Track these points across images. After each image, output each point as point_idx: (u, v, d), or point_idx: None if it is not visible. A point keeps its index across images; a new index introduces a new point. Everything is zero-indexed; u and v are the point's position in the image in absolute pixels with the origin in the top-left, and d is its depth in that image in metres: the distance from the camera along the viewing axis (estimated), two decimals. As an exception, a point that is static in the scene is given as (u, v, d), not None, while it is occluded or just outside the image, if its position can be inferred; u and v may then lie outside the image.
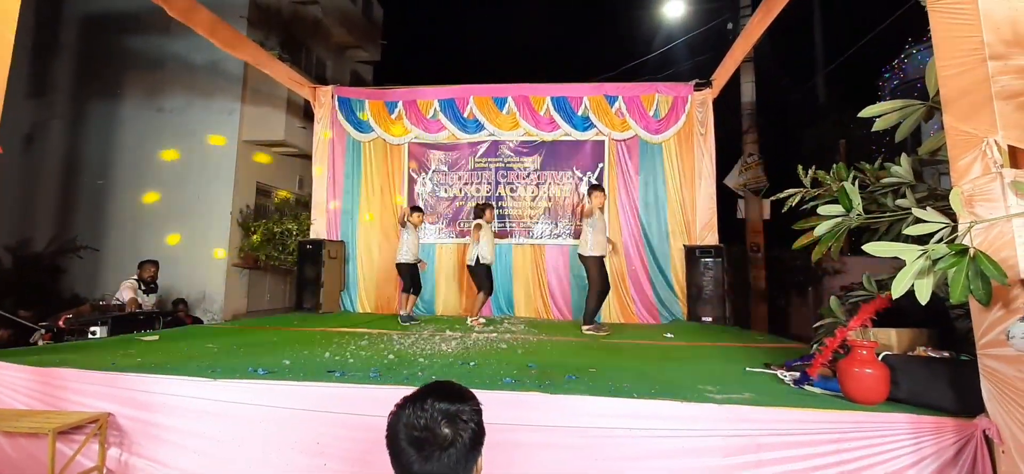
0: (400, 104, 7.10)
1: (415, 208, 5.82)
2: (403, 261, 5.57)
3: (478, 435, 1.03)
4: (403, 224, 5.63)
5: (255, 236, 8.14)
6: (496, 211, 6.49)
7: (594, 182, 6.53)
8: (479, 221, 5.58)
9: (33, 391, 2.60)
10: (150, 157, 8.55)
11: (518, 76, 7.09)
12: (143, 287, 5.71)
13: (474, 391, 1.09)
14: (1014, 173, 1.72)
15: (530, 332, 4.90)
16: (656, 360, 3.42)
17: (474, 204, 6.40)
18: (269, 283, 9.21)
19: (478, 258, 5.47)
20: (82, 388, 2.54)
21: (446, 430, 0.98)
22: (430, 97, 7.07)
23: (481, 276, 5.56)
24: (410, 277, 5.60)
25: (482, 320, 5.55)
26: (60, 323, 4.81)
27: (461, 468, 1.00)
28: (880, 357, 2.25)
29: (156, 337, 4.13)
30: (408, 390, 1.07)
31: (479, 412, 1.05)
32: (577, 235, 6.56)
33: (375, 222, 7.03)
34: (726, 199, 7.90)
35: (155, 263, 5.93)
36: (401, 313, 5.54)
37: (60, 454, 2.30)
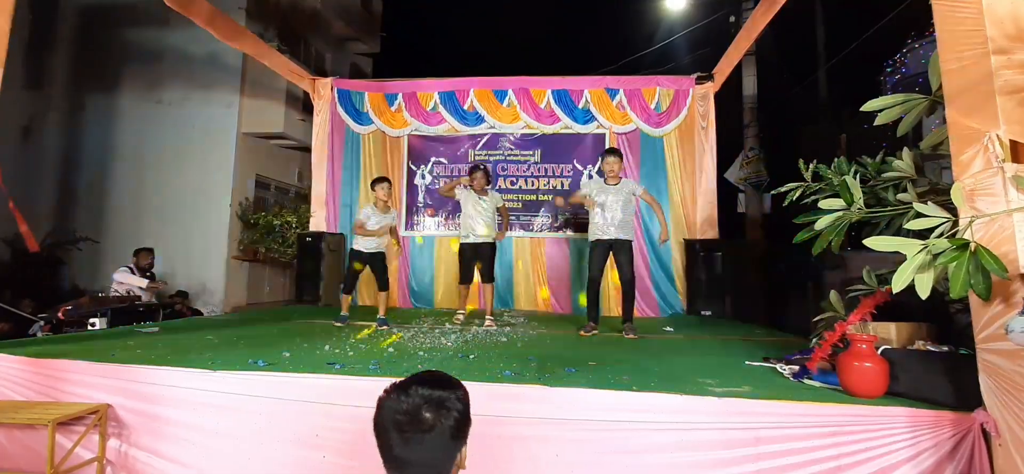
0: (400, 96, 7.06)
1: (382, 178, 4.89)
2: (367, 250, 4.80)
3: (461, 424, 1.02)
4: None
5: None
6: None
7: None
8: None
9: (32, 383, 2.59)
10: (149, 149, 8.52)
11: (519, 69, 7.04)
12: (138, 274, 5.72)
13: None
14: (1015, 168, 1.71)
15: (530, 325, 4.91)
16: (656, 353, 3.42)
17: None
18: (269, 276, 9.21)
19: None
20: (81, 379, 2.54)
21: (428, 415, 0.98)
22: (430, 89, 7.03)
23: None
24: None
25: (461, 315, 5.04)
26: (59, 315, 4.82)
27: (442, 455, 1.00)
28: (879, 351, 2.25)
29: (156, 329, 4.13)
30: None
31: (465, 401, 1.05)
32: (577, 228, 6.57)
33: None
34: (727, 193, 7.89)
35: (151, 250, 5.94)
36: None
37: (59, 446, 2.30)
